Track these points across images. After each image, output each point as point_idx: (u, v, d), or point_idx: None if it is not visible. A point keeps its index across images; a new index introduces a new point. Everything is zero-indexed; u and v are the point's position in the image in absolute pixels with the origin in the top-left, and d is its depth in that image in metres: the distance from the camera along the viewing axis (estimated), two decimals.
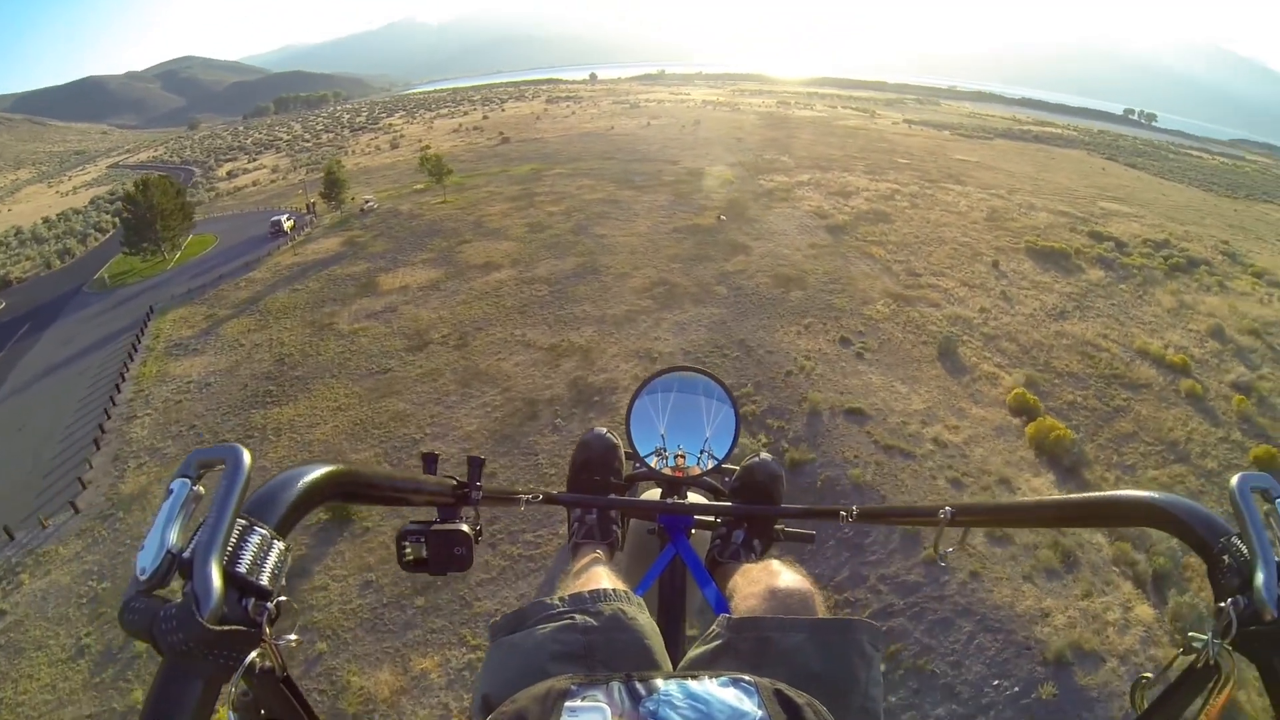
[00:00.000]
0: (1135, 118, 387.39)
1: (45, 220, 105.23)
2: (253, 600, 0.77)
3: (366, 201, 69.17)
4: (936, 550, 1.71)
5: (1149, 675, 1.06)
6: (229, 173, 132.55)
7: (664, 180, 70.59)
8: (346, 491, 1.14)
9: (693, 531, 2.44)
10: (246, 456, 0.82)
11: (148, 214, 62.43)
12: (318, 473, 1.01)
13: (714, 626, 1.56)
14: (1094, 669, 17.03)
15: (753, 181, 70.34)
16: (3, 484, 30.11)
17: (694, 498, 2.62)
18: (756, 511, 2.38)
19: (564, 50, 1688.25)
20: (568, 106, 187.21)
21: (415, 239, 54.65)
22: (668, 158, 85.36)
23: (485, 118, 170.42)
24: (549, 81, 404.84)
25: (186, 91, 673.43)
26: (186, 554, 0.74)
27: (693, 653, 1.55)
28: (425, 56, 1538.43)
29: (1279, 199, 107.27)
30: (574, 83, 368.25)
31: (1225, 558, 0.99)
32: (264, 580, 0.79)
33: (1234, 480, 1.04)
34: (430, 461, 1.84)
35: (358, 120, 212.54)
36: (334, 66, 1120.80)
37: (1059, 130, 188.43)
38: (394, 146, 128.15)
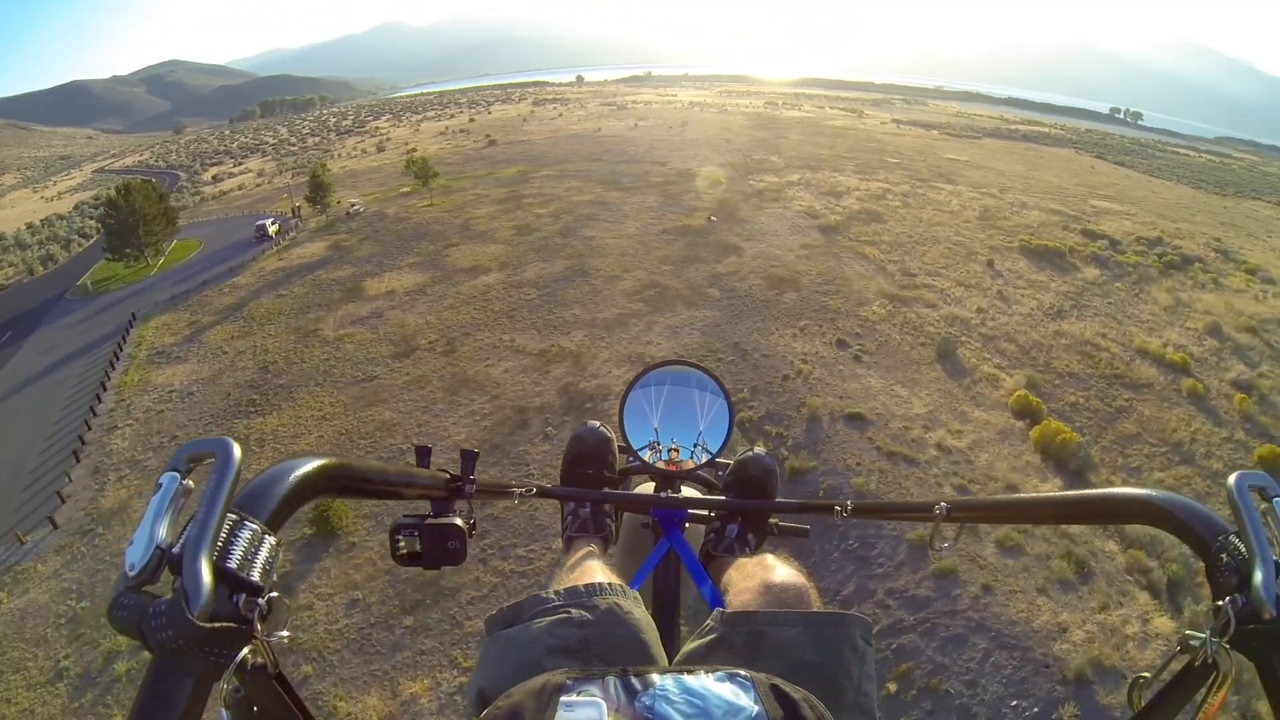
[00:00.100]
0: (1121, 116, 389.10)
1: (29, 226, 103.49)
2: (244, 596, 0.76)
3: (352, 205, 68.68)
4: (933, 546, 1.74)
5: (1146, 675, 1.07)
6: (214, 177, 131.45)
7: (652, 181, 70.27)
8: (339, 485, 1.12)
9: (686, 525, 2.43)
10: (237, 450, 0.81)
11: (130, 219, 61.57)
12: (310, 466, 0.99)
13: (709, 621, 1.56)
14: (1116, 687, 16.39)
15: (742, 182, 70.00)
16: None
17: (688, 492, 2.59)
18: (751, 506, 2.36)
19: (550, 53, 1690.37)
20: (554, 108, 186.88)
21: (401, 243, 54.11)
22: (656, 159, 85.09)
23: (472, 120, 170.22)
24: (535, 84, 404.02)
25: (172, 95, 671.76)
26: (176, 549, 0.73)
27: (688, 647, 1.55)
28: (411, 60, 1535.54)
29: (1267, 196, 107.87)
30: (560, 85, 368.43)
31: (1223, 556, 1.00)
32: (255, 576, 0.78)
33: (1232, 479, 1.04)
34: (423, 454, 1.82)
35: (344, 124, 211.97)
36: (320, 70, 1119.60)
37: (1046, 129, 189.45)
38: (380, 150, 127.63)
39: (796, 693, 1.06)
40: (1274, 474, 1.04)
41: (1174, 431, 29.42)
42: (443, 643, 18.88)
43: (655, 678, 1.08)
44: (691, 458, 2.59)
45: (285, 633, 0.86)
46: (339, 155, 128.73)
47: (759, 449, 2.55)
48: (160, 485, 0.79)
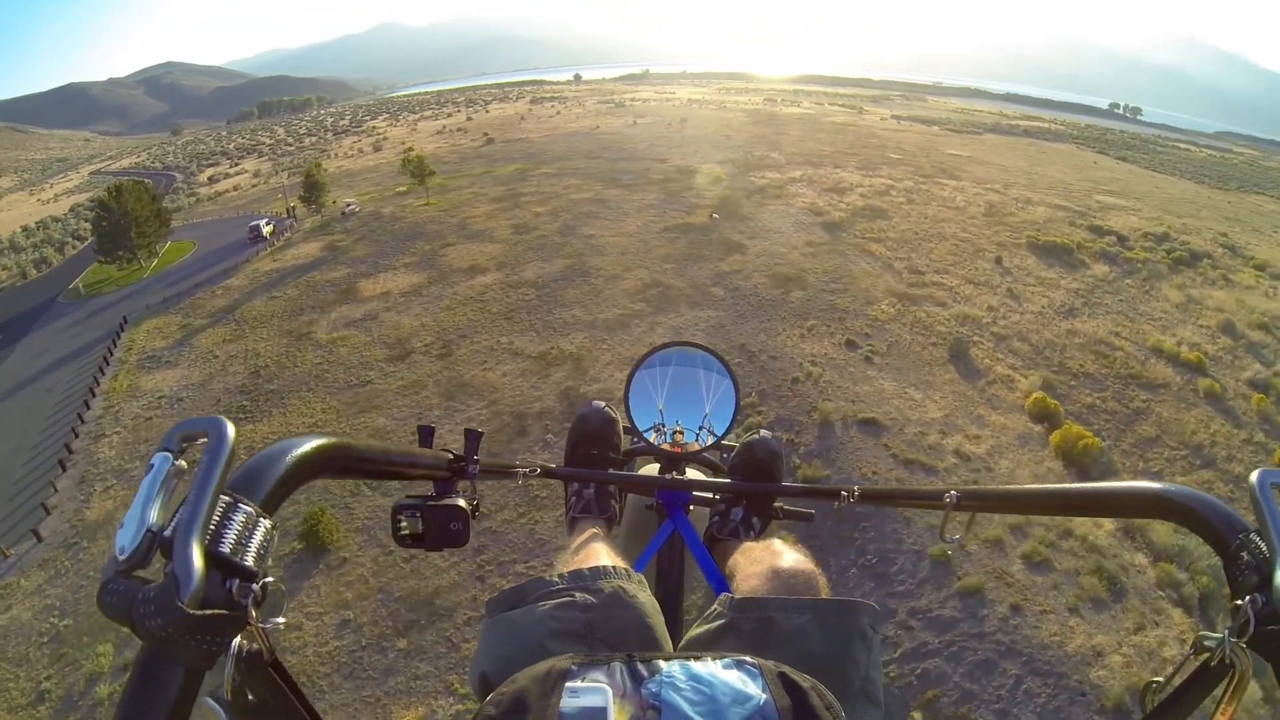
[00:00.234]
0: (1121, 112, 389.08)
1: (24, 229, 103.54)
2: (237, 582, 0.74)
3: (348, 205, 67.93)
4: (943, 536, 1.73)
5: (1159, 679, 1.05)
6: (210, 178, 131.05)
7: (652, 178, 69.39)
8: (338, 465, 1.09)
9: (691, 508, 2.40)
10: (230, 429, 0.79)
11: (122, 221, 60.87)
12: (307, 446, 0.98)
13: (715, 605, 1.57)
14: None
15: (744, 178, 69.26)
16: None
17: (693, 474, 2.54)
18: (756, 489, 2.33)
19: (548, 52, 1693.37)
20: (552, 107, 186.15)
21: (397, 242, 53.26)
22: (655, 156, 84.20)
23: (469, 119, 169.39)
24: (533, 83, 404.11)
25: (169, 97, 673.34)
26: (168, 533, 0.71)
27: (694, 631, 1.56)
28: (409, 59, 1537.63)
29: (1270, 191, 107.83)
30: (558, 84, 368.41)
31: (1244, 554, 0.99)
32: (249, 561, 0.76)
33: (1254, 476, 1.02)
34: (426, 434, 1.77)
35: (341, 123, 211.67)
36: (318, 70, 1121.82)
37: (1047, 125, 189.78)
38: (377, 149, 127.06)
39: (805, 681, 1.05)
40: None
41: (1194, 434, 28.91)
42: (438, 667, 17.99)
43: (661, 664, 1.07)
44: (697, 440, 2.62)
45: (282, 619, 0.85)
46: (335, 155, 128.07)
47: (764, 432, 2.51)
48: (152, 466, 0.77)
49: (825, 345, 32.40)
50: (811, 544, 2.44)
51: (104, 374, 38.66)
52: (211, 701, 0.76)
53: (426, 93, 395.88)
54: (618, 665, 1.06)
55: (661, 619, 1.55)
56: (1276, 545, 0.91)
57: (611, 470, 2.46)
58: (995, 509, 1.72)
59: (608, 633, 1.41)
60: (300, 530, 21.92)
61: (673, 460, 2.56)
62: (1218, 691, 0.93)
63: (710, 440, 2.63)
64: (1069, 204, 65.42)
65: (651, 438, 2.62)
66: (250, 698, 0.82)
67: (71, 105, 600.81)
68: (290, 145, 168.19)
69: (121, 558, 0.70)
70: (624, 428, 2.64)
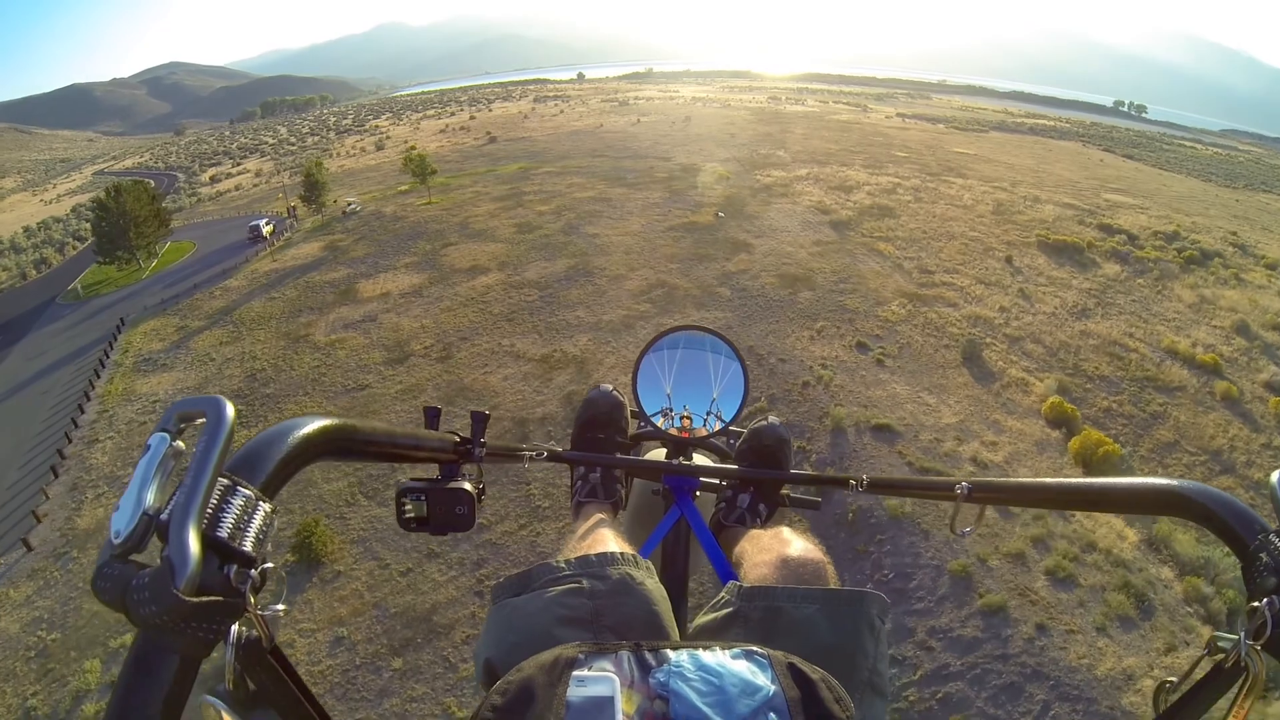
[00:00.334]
0: (1125, 109, 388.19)
1: (25, 229, 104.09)
2: (235, 567, 0.73)
3: (349, 204, 67.61)
4: (953, 529, 1.68)
5: (1172, 679, 1.04)
6: (212, 178, 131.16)
7: (657, 177, 68.86)
8: (340, 448, 1.07)
9: (698, 494, 2.39)
10: (229, 409, 0.77)
11: (120, 221, 60.41)
12: (309, 427, 0.96)
13: (723, 593, 1.58)
14: None
15: (749, 177, 68.73)
16: None
17: (700, 459, 2.56)
18: (764, 476, 2.34)
19: (551, 51, 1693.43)
20: (556, 105, 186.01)
21: (398, 242, 52.77)
22: (660, 154, 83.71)
23: (472, 118, 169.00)
24: (536, 81, 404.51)
25: (172, 97, 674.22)
26: (164, 516, 0.70)
27: (701, 619, 1.56)
28: (412, 59, 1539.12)
29: (1278, 189, 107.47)
30: (561, 82, 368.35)
31: (1262, 555, 0.97)
32: (247, 545, 0.75)
33: (1274, 476, 1.01)
34: (432, 416, 1.80)
35: (344, 123, 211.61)
36: (321, 70, 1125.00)
37: (1052, 123, 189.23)
38: (379, 148, 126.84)
39: (815, 673, 1.04)
40: None
41: (1212, 438, 28.51)
42: (435, 689, 17.30)
43: (670, 653, 1.06)
44: (704, 425, 2.56)
45: (282, 606, 0.84)
46: (338, 154, 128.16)
47: (773, 418, 2.50)
48: (149, 447, 0.75)
49: (836, 347, 31.87)
50: (810, 506, 2.51)
51: (100, 377, 38.30)
52: (212, 698, 0.76)
53: (429, 92, 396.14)
54: (625, 654, 1.06)
55: (669, 606, 1.53)
56: None
57: (618, 454, 2.45)
58: (1008, 501, 1.62)
59: (615, 620, 1.40)
60: (293, 542, 21.35)
61: (680, 445, 2.53)
62: (1231, 693, 0.93)
63: (718, 426, 2.56)
64: (1077, 202, 65.10)
65: (659, 422, 2.56)
66: (251, 686, 0.81)
67: (75, 106, 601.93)
68: (293, 145, 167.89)
69: (116, 541, 0.69)
70: (631, 411, 2.63)
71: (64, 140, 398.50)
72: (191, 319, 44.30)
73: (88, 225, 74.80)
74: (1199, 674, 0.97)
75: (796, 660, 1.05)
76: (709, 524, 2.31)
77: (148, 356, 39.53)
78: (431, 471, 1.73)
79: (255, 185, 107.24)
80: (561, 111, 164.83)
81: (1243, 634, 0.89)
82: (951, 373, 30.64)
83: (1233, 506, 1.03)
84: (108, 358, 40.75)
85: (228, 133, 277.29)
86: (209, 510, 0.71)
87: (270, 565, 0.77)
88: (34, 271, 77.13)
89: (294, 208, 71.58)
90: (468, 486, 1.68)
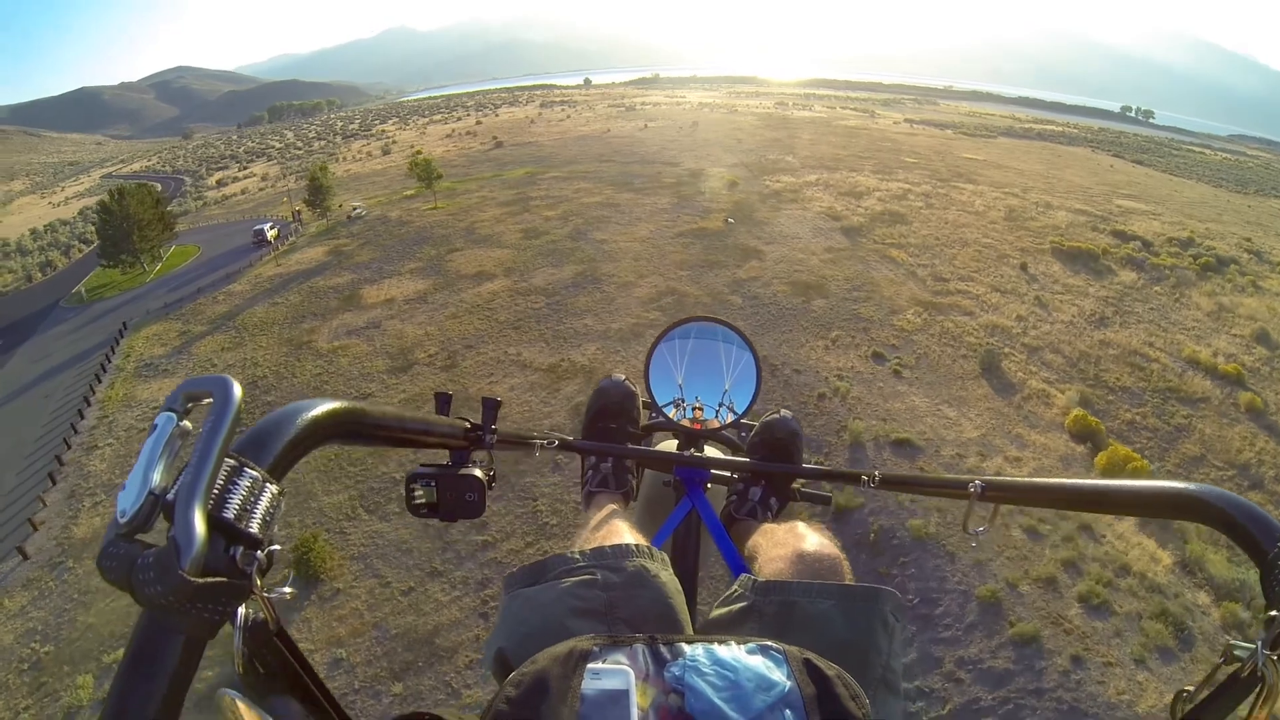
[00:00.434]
0: (1133, 115, 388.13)
1: (32, 231, 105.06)
2: (241, 549, 0.72)
3: (355, 208, 67.20)
4: (966, 528, 1.64)
5: (1189, 688, 1.01)
6: (219, 181, 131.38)
7: (665, 182, 68.42)
8: (349, 430, 1.07)
9: (709, 486, 2.40)
10: (237, 389, 0.77)
11: (124, 224, 60.44)
12: (319, 409, 0.96)
13: (736, 586, 1.57)
14: None
15: (758, 182, 68.29)
16: None
17: (711, 451, 2.58)
18: (776, 469, 2.31)
19: (557, 56, 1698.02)
20: (562, 110, 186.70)
21: (403, 247, 52.28)
22: (667, 159, 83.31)
23: (479, 123, 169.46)
24: (543, 87, 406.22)
25: (180, 101, 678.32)
26: (170, 496, 0.69)
27: (715, 613, 1.56)
28: (419, 64, 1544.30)
29: None
30: (568, 88, 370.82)
31: None
32: (253, 527, 0.74)
33: None
34: (443, 402, 1.76)
35: (350, 127, 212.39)
36: (328, 75, 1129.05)
37: (1060, 128, 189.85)
38: (386, 153, 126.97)
39: (830, 669, 1.04)
40: None
41: (1239, 452, 27.80)
42: None
43: (685, 647, 1.06)
44: (716, 416, 2.55)
45: (288, 589, 0.85)
46: (344, 158, 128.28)
47: (784, 411, 2.49)
48: (156, 426, 0.75)
49: (851, 358, 31.25)
50: (820, 500, 2.43)
51: (101, 382, 38.17)
52: (230, 691, 0.76)
53: (436, 97, 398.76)
54: (640, 647, 1.06)
55: (683, 599, 1.53)
56: None
57: (630, 445, 2.44)
58: (1021, 501, 1.59)
59: (629, 612, 1.41)
60: (291, 558, 20.74)
61: (692, 437, 2.52)
62: (1248, 703, 0.90)
63: (730, 418, 2.53)
64: (1090, 208, 64.65)
65: (671, 413, 2.54)
66: (260, 669, 0.82)
67: (84, 109, 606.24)
68: (299, 149, 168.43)
69: (122, 520, 0.69)
70: (643, 402, 2.63)
71: (72, 143, 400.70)
72: (194, 324, 44.03)
73: (93, 228, 74.93)
74: (1216, 682, 0.95)
75: (812, 656, 1.05)
76: (719, 516, 2.27)
77: (149, 361, 39.31)
78: (442, 458, 1.70)
79: (261, 189, 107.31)
80: (568, 116, 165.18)
81: (1260, 643, 0.87)
82: (971, 384, 30.02)
83: (1251, 512, 1.02)
84: (109, 362, 40.66)
85: (235, 137, 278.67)
86: (215, 491, 0.71)
87: (277, 547, 0.77)
88: (39, 274, 77.23)
89: (299, 212, 71.26)
90: (478, 473, 1.66)
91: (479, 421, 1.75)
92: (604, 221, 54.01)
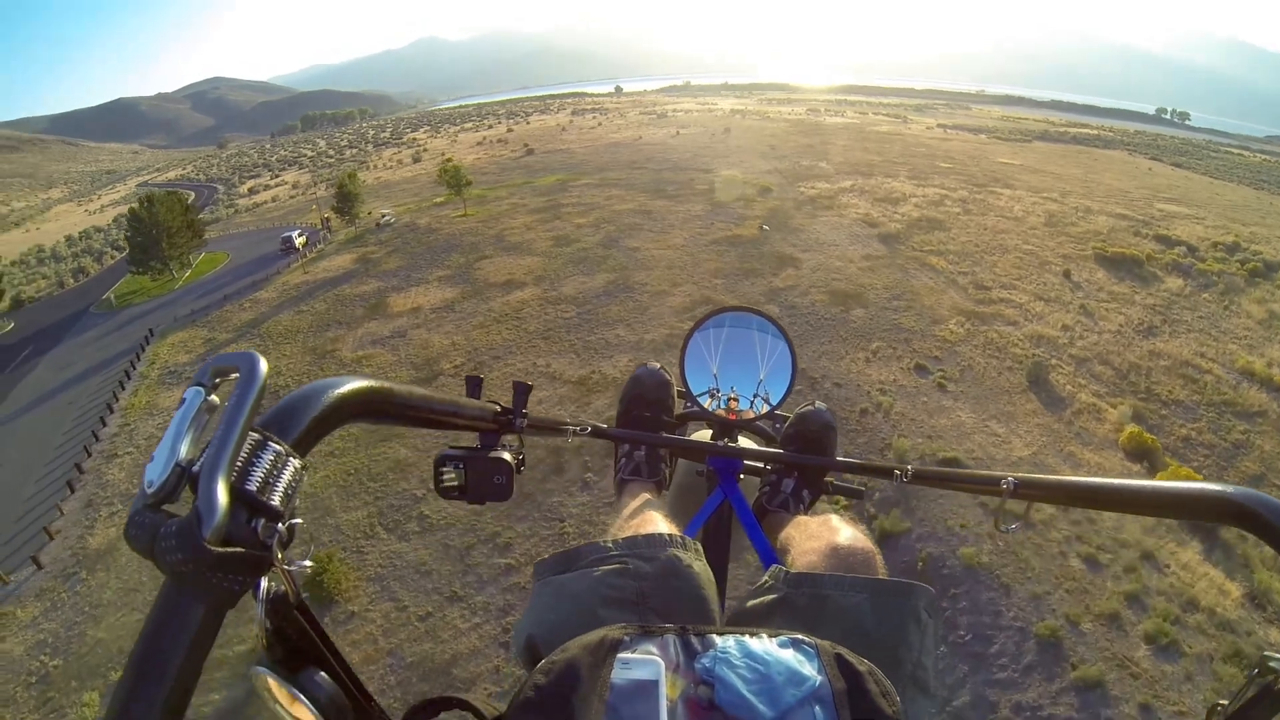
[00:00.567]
0: (1168, 117, 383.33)
1: (67, 238, 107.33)
2: (262, 521, 0.74)
3: (383, 216, 67.02)
4: (998, 526, 1.66)
5: (1224, 702, 1.03)
6: (250, 189, 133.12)
7: (698, 189, 67.39)
8: (376, 409, 1.09)
9: (742, 477, 2.40)
10: (263, 364, 0.78)
11: (153, 231, 60.74)
12: (346, 387, 0.97)
13: (767, 578, 1.57)
14: None
15: (793, 189, 67.06)
16: None
17: (745, 442, 2.50)
18: (810, 461, 2.30)
19: (588, 65, 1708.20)
20: (594, 118, 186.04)
21: (431, 255, 51.76)
22: (700, 166, 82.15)
23: (510, 130, 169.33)
24: (574, 95, 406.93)
25: (215, 112, 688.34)
26: (196, 468, 0.71)
27: (747, 603, 1.55)
28: (450, 73, 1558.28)
29: None
30: (599, 95, 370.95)
31: None
32: (275, 500, 0.76)
33: None
34: (474, 385, 1.77)
35: (382, 136, 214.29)
36: (360, 84, 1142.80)
37: (1095, 131, 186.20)
38: (416, 160, 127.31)
39: (862, 665, 1.04)
40: None
41: None
42: None
43: (716, 638, 1.07)
44: (751, 407, 2.54)
45: (308, 562, 0.87)
46: (374, 166, 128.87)
47: (819, 403, 2.46)
48: (185, 400, 0.77)
49: (894, 370, 30.08)
50: (853, 494, 2.54)
51: (124, 389, 38.13)
52: (260, 668, 0.80)
53: (467, 105, 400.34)
54: (671, 637, 1.06)
55: (715, 590, 1.51)
56: None
57: (664, 434, 2.40)
58: (1054, 500, 1.56)
59: (660, 602, 1.40)
60: (305, 579, 19.67)
61: (726, 427, 2.50)
62: None
63: (764, 408, 2.50)
64: (1130, 213, 63.16)
65: (705, 403, 2.51)
66: (283, 641, 0.83)
67: (121, 119, 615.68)
68: (331, 157, 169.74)
69: (149, 491, 0.70)
70: (678, 391, 2.58)
71: (110, 153, 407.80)
72: (219, 331, 43.98)
73: (126, 235, 75.63)
74: (1249, 695, 0.96)
75: (843, 651, 1.05)
76: (751, 508, 2.23)
77: (173, 369, 39.18)
78: (471, 442, 1.71)
79: (292, 197, 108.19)
80: (599, 124, 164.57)
81: None
82: (1018, 398, 28.79)
83: None
84: (134, 369, 40.63)
85: (268, 146, 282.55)
86: (239, 464, 0.72)
87: (298, 521, 0.79)
88: (71, 280, 78.33)
89: (327, 219, 71.37)
90: (506, 456, 1.67)
91: (509, 406, 1.74)
92: (636, 229, 53.17)
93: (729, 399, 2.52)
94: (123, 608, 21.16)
